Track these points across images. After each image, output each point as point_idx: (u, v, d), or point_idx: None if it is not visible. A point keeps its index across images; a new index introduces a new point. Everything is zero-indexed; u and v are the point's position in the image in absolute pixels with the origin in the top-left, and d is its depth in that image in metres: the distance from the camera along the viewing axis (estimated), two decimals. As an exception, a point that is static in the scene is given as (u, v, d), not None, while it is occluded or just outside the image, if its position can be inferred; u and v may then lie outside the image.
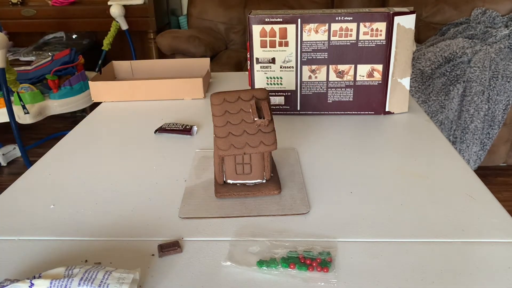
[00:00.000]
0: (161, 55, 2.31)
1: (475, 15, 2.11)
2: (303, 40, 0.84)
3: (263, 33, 0.84)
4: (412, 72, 1.78)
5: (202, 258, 0.50)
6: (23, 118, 1.72)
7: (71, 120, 2.52)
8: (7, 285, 0.41)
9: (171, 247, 0.50)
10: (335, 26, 0.82)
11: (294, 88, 0.88)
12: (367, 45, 0.83)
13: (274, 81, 0.88)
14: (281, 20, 0.83)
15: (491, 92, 1.73)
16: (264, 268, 0.47)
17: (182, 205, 0.59)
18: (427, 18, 2.23)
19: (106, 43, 2.16)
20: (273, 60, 0.86)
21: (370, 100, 0.87)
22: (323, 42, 0.84)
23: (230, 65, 2.10)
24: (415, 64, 1.82)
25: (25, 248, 0.52)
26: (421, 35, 2.23)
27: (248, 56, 0.87)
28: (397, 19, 0.81)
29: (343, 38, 0.83)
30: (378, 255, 0.49)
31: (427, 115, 0.88)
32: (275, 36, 0.84)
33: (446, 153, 0.73)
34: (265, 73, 0.87)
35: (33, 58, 2.20)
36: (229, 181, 0.61)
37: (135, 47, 2.33)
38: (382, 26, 0.82)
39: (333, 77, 0.87)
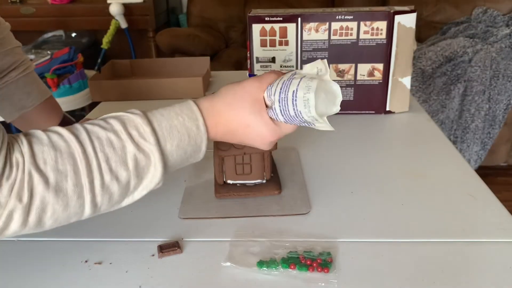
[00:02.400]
0: (161, 53, 2.30)
1: (476, 14, 2.10)
2: (303, 39, 0.83)
3: (263, 32, 0.84)
4: (413, 71, 1.78)
5: (202, 258, 0.49)
6: (22, 117, 1.71)
7: (71, 119, 2.50)
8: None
9: (170, 248, 0.50)
10: (335, 25, 0.82)
11: (294, 87, 0.88)
12: (367, 44, 0.83)
13: (274, 80, 0.88)
14: (281, 19, 0.82)
15: (492, 91, 1.73)
16: (264, 268, 0.47)
17: (182, 205, 0.59)
18: (428, 17, 2.22)
19: (106, 41, 2.15)
20: (273, 60, 0.86)
21: (371, 99, 0.87)
22: (323, 41, 0.83)
23: (230, 64, 2.10)
24: (416, 63, 1.81)
25: (25, 248, 0.52)
26: (421, 34, 2.23)
27: (248, 55, 0.87)
28: (397, 18, 0.81)
29: (343, 37, 0.83)
30: (379, 255, 0.49)
31: (427, 115, 0.88)
32: (275, 35, 0.84)
33: (447, 152, 0.72)
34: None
35: (32, 56, 2.19)
36: (229, 181, 0.61)
37: (135, 45, 2.33)
38: (382, 25, 0.81)
39: (333, 76, 0.86)
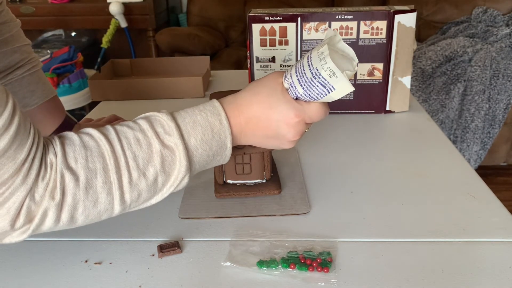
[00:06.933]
0: (161, 53, 2.30)
1: (476, 14, 2.10)
2: (303, 38, 0.83)
3: (263, 32, 0.84)
4: (413, 71, 1.78)
5: (202, 258, 0.49)
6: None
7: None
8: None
9: (170, 248, 0.50)
10: (335, 25, 0.82)
11: (294, 87, 0.88)
12: (367, 43, 0.83)
13: (274, 79, 0.88)
14: (281, 18, 0.82)
15: (492, 91, 1.73)
16: (264, 268, 0.47)
17: (182, 205, 0.59)
18: (428, 17, 2.22)
19: (105, 40, 2.15)
20: (273, 59, 0.86)
21: (371, 99, 0.87)
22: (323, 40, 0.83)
23: (230, 63, 2.09)
24: (416, 63, 1.81)
25: (25, 248, 0.52)
26: (421, 34, 2.23)
27: (248, 54, 0.86)
28: (397, 18, 0.81)
29: (343, 37, 0.83)
30: (379, 255, 0.49)
31: (427, 114, 0.88)
32: (275, 35, 0.84)
33: (447, 152, 0.72)
34: (265, 72, 0.87)
35: (32, 56, 2.19)
36: (229, 181, 0.61)
37: (134, 45, 2.32)
38: (382, 24, 0.81)
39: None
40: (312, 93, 0.44)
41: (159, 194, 0.43)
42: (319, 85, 0.43)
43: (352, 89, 0.43)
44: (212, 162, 0.46)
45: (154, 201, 0.43)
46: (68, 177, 0.37)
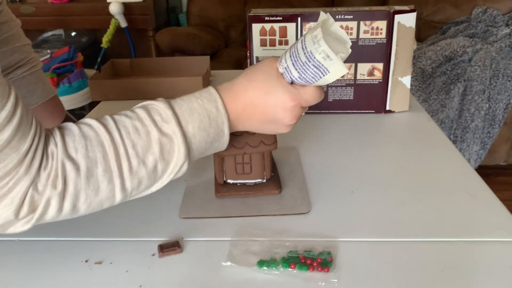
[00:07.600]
0: (161, 53, 2.30)
1: (476, 14, 2.10)
2: (304, 38, 0.83)
3: (263, 32, 0.84)
4: (413, 70, 1.78)
5: (202, 258, 0.49)
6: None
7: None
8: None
9: (171, 247, 0.50)
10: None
11: (294, 87, 0.88)
12: (367, 43, 0.83)
13: (274, 79, 0.88)
14: (281, 18, 0.82)
15: (492, 91, 1.73)
16: (265, 268, 0.47)
17: (182, 205, 0.59)
18: (428, 17, 2.22)
19: (105, 40, 2.15)
20: (273, 59, 0.86)
21: (371, 98, 0.87)
22: (323, 40, 0.83)
23: (230, 63, 2.09)
24: (416, 63, 1.81)
25: (25, 248, 0.52)
26: (421, 34, 2.23)
27: (248, 54, 0.86)
28: (397, 18, 0.81)
29: (343, 37, 0.83)
30: (379, 254, 0.49)
31: (427, 114, 0.88)
32: (275, 35, 0.84)
33: (447, 151, 0.72)
34: (265, 71, 0.87)
35: (32, 56, 2.19)
36: (229, 181, 0.61)
37: (135, 45, 2.32)
38: (382, 24, 0.81)
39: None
40: (307, 76, 0.45)
41: (159, 181, 0.43)
42: (314, 68, 0.44)
43: (346, 71, 0.43)
44: (210, 148, 0.46)
45: (154, 188, 0.44)
46: (69, 166, 0.38)
